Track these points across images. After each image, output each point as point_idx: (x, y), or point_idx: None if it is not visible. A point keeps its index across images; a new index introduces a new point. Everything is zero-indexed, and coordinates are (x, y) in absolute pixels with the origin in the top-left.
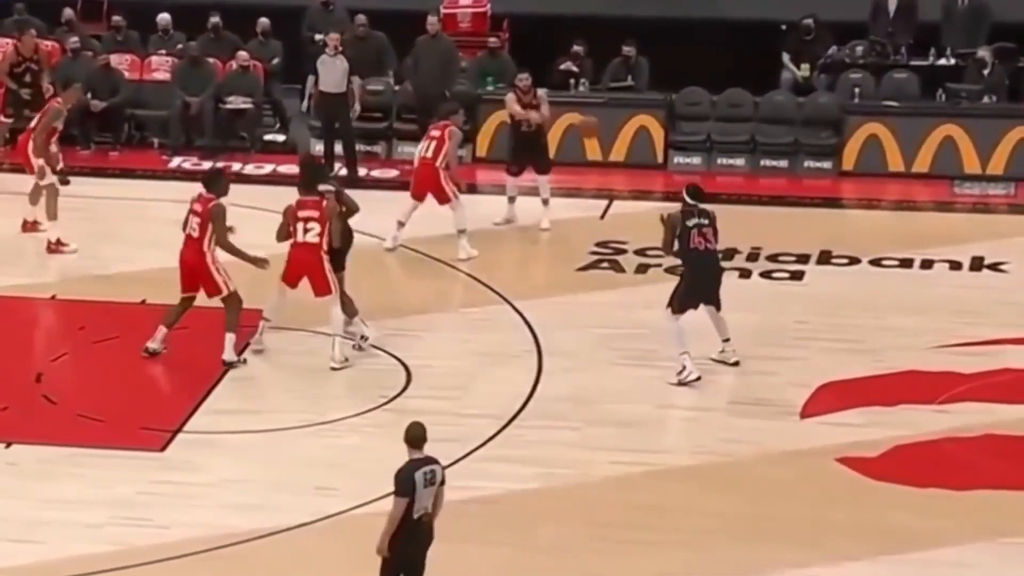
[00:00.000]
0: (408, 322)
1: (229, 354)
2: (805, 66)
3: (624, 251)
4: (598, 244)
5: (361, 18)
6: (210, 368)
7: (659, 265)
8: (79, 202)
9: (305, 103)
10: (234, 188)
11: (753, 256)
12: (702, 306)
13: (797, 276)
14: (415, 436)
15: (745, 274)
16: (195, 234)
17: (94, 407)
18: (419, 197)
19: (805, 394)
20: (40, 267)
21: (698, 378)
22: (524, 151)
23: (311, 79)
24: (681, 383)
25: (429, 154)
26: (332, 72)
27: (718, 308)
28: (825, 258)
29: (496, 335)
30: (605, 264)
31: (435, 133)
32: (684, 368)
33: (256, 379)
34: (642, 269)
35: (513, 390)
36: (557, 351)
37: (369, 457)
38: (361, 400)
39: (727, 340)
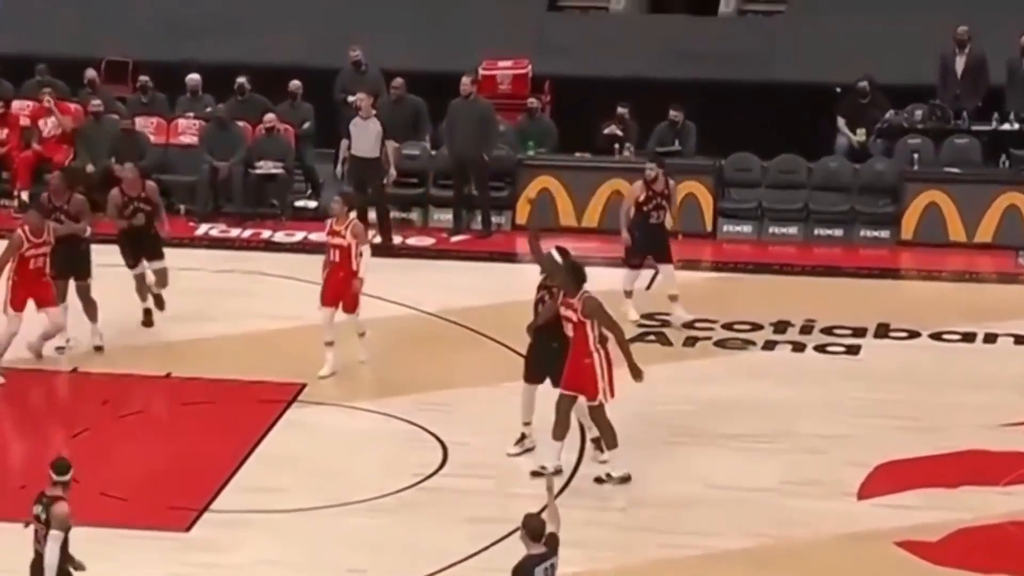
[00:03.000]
0: (445, 396)
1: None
2: (861, 131)
3: (671, 324)
4: (644, 316)
5: (397, 81)
6: (238, 443)
7: (708, 338)
8: (100, 271)
9: (339, 167)
10: (264, 257)
11: (807, 329)
12: None
13: (853, 350)
14: (534, 529)
15: (799, 348)
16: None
17: (117, 485)
18: None
19: (862, 474)
20: (61, 338)
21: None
22: (649, 242)
23: (344, 143)
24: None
25: None
26: (365, 136)
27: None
28: (883, 332)
29: (537, 410)
30: (651, 337)
31: None
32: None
33: (286, 455)
34: (690, 342)
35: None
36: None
37: (402, 538)
38: (395, 478)
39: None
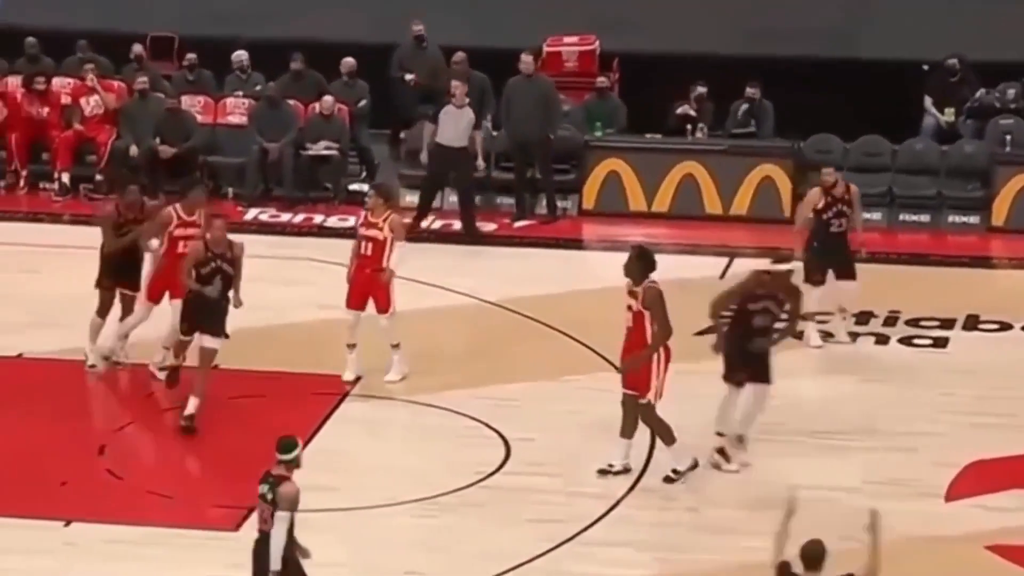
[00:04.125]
0: (507, 390)
1: None
2: (950, 111)
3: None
4: None
5: (459, 55)
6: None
7: None
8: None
9: (423, 154)
10: (316, 242)
11: (891, 320)
12: None
13: (941, 343)
14: (812, 555)
15: (882, 340)
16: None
17: (163, 482)
18: None
19: (950, 474)
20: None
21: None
22: (831, 255)
23: (428, 127)
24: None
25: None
26: (455, 124)
27: None
28: (972, 323)
29: (604, 406)
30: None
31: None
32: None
33: (341, 452)
34: None
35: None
36: (673, 425)
37: (463, 538)
38: (454, 476)
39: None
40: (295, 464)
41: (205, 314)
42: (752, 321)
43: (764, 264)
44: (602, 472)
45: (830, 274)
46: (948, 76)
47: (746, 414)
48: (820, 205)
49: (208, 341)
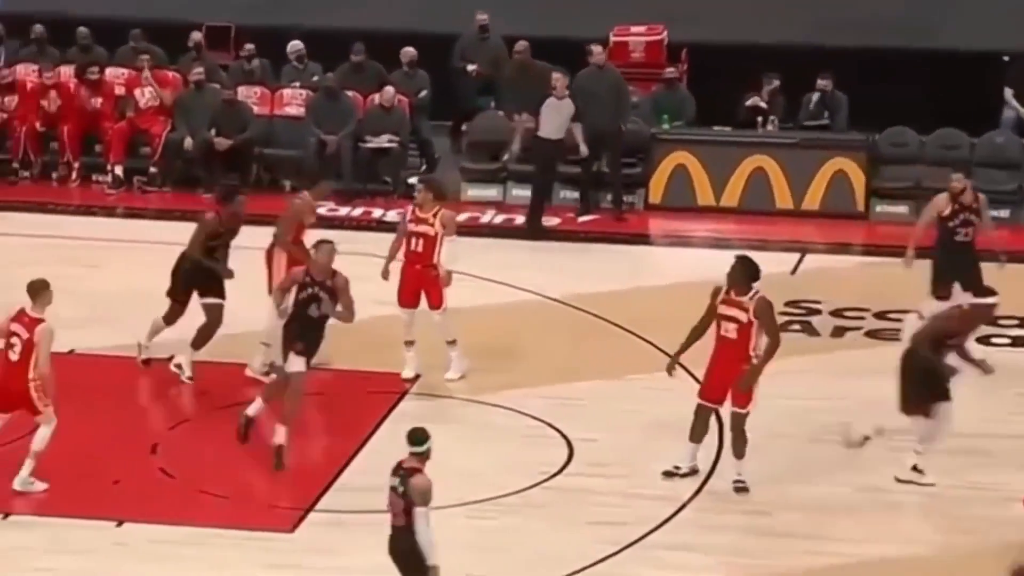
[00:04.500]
0: (571, 390)
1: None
2: None
3: (818, 311)
4: (788, 303)
5: (521, 44)
6: (346, 438)
7: (859, 328)
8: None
9: (514, 146)
10: (374, 237)
11: None
12: None
13: (1020, 342)
14: None
15: None
16: None
17: (216, 482)
18: None
19: None
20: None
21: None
22: (955, 266)
23: (522, 119)
24: None
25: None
26: (557, 116)
27: None
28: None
29: (668, 406)
30: (796, 326)
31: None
32: None
33: (398, 451)
34: (839, 332)
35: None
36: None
37: (524, 541)
38: (516, 477)
39: None
40: (426, 456)
41: (305, 339)
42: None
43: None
44: (668, 474)
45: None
46: None
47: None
48: (946, 212)
49: (296, 364)
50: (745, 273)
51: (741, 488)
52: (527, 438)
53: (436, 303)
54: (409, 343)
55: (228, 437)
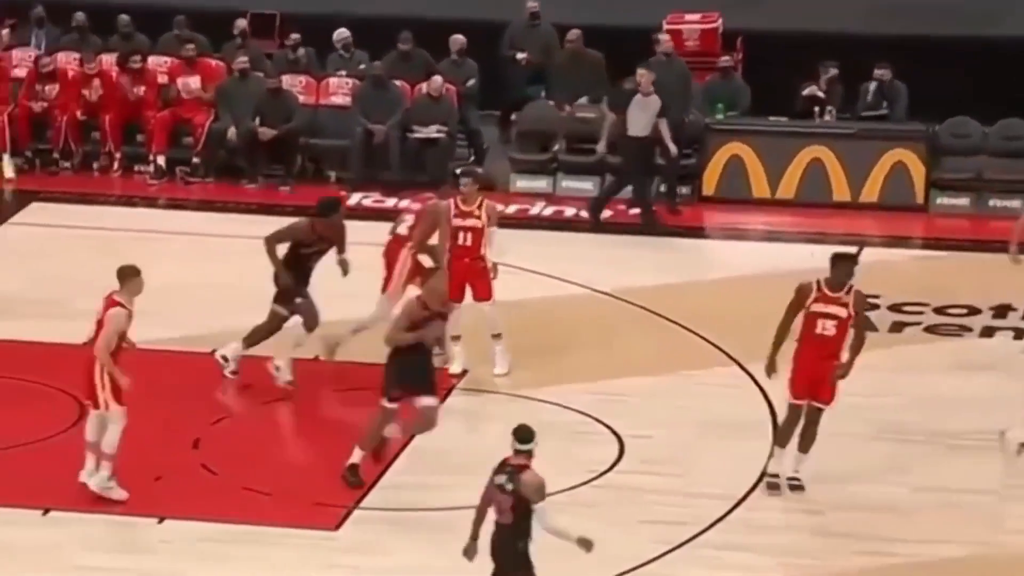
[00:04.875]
0: (622, 385)
1: None
2: None
3: (876, 306)
4: None
5: (573, 32)
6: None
7: (917, 323)
8: (246, 243)
9: (601, 144)
10: None
11: None
12: None
13: None
14: None
15: (1021, 335)
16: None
17: (260, 479)
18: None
19: None
20: (199, 317)
21: None
22: None
23: (609, 116)
24: None
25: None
26: (643, 114)
27: None
28: None
29: (724, 402)
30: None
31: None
32: None
33: (444, 448)
34: (897, 328)
35: (744, 466)
36: None
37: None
38: (566, 474)
39: None
40: (532, 454)
41: (416, 373)
42: None
43: None
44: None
45: None
46: None
47: None
48: None
49: (427, 400)
50: (849, 271)
51: (796, 486)
52: (576, 435)
53: (484, 295)
54: (455, 337)
55: (271, 433)
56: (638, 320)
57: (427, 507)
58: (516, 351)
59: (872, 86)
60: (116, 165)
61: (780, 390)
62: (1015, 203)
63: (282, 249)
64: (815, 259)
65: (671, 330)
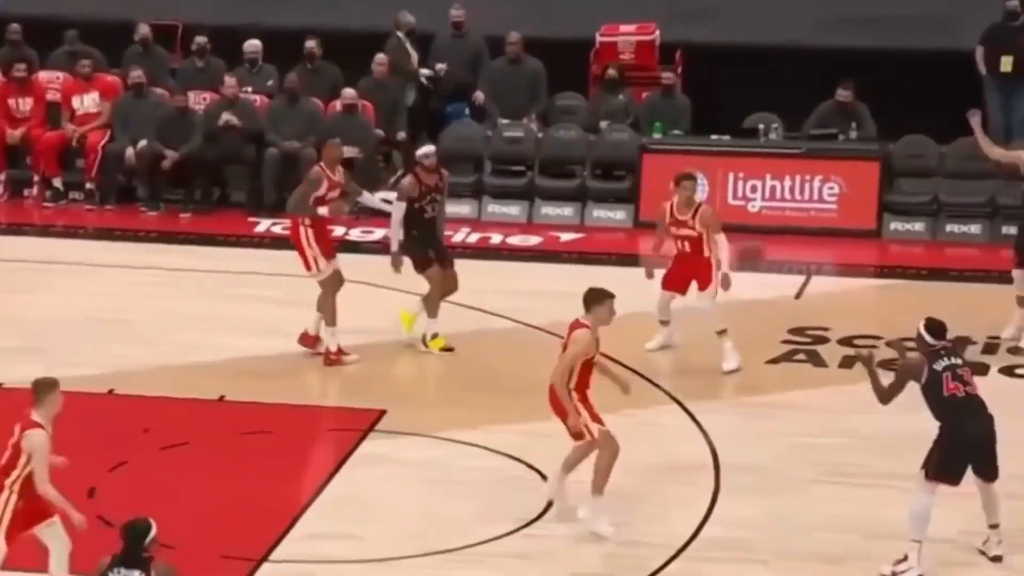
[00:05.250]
0: (551, 426)
1: None
2: (1007, 59)
3: (826, 340)
4: (792, 331)
5: (514, 36)
6: (303, 481)
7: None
8: (145, 275)
9: None
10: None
11: (991, 348)
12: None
13: None
14: None
15: (981, 370)
16: None
17: (161, 529)
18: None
19: None
20: (94, 355)
21: None
22: None
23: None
24: None
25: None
26: None
27: (991, 478)
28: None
29: (664, 444)
30: (801, 356)
31: None
32: (906, 559)
33: (360, 496)
34: (848, 363)
35: (686, 514)
36: (740, 465)
37: None
38: (492, 524)
39: (995, 526)
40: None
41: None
42: None
43: None
44: None
45: None
46: (1008, 20)
47: None
48: None
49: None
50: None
51: None
52: (504, 480)
53: (706, 284)
54: (721, 332)
55: (173, 480)
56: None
57: (343, 559)
58: (441, 390)
59: (830, 106)
60: (1, 189)
61: (723, 431)
62: (974, 228)
63: None
64: (763, 289)
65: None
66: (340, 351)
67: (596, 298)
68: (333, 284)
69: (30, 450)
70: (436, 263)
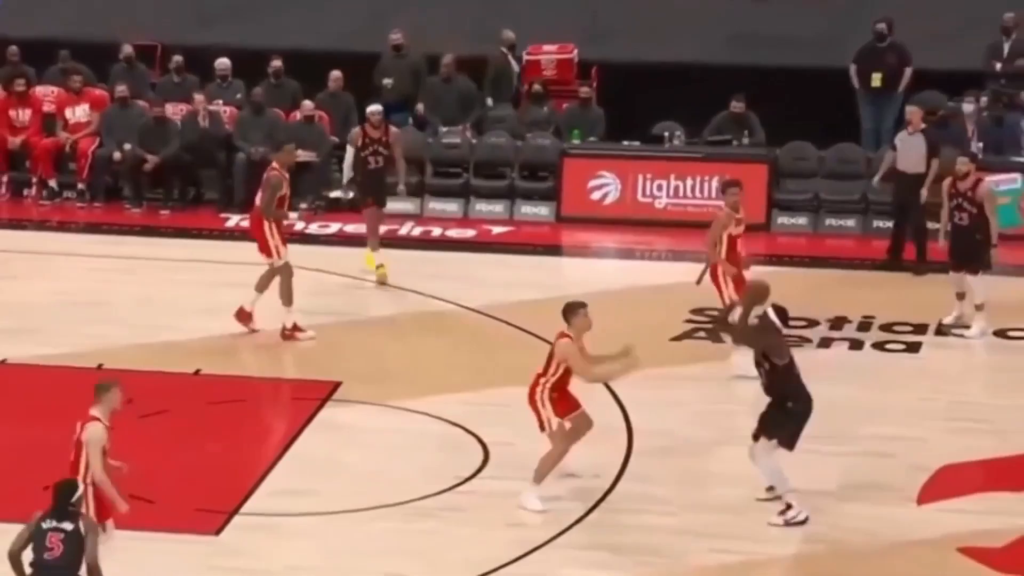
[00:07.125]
0: (487, 396)
1: None
2: (877, 76)
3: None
4: (693, 311)
5: (448, 58)
6: (269, 444)
7: None
8: (129, 263)
9: (878, 178)
10: (297, 249)
11: (865, 326)
12: None
13: (913, 348)
14: None
15: (856, 345)
16: None
17: (143, 487)
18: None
19: (923, 478)
20: (84, 335)
21: (806, 519)
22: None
23: (889, 153)
24: (788, 524)
25: None
26: (913, 150)
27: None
28: (945, 329)
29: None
30: (701, 334)
31: None
32: (790, 507)
33: (319, 457)
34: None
35: (602, 472)
36: (649, 429)
37: (442, 543)
38: (433, 481)
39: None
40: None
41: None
42: None
43: None
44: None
45: None
46: (876, 41)
47: None
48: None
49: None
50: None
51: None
52: (443, 443)
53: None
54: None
55: (154, 445)
56: (504, 335)
57: (304, 512)
58: (385, 362)
59: (725, 116)
60: (3, 188)
61: (635, 401)
62: (850, 222)
63: None
64: (671, 275)
65: (534, 344)
66: (296, 327)
67: (572, 310)
68: (289, 270)
69: (87, 440)
70: (374, 205)
